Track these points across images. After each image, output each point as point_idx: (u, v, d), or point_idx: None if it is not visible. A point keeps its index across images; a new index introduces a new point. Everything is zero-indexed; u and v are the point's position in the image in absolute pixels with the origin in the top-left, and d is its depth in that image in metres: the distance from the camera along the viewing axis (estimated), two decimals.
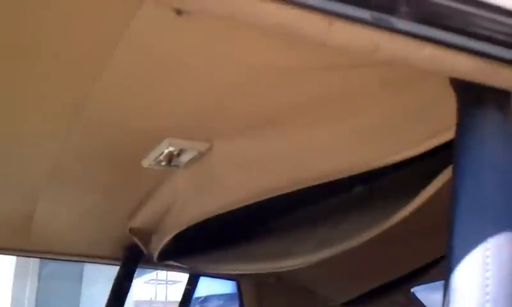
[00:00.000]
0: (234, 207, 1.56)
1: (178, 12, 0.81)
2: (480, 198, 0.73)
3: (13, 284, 7.22)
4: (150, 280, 9.74)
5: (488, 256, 0.69)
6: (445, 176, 1.17)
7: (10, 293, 7.21)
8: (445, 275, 0.71)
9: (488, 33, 0.73)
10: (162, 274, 9.52)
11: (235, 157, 1.47)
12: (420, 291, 3.00)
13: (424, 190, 1.24)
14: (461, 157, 0.77)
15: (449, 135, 1.01)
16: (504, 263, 0.69)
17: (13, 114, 1.33)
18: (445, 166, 1.16)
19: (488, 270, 0.68)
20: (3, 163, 1.63)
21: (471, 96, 0.81)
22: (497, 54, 0.74)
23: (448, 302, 0.68)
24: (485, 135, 0.77)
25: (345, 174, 1.27)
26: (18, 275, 7.25)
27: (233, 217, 1.84)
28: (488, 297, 0.67)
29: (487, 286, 0.67)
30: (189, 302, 2.85)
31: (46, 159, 1.58)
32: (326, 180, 1.31)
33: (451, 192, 0.75)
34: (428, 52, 0.71)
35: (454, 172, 0.77)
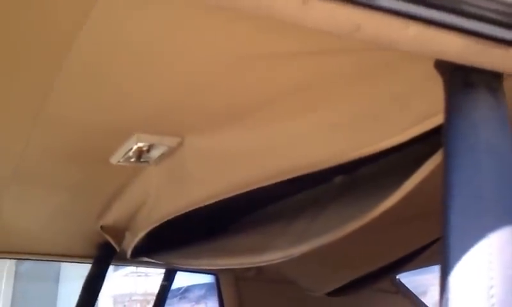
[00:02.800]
0: (208, 202, 1.49)
1: None
2: (478, 186, 0.66)
3: None
4: (128, 273, 9.66)
5: (491, 254, 0.61)
6: (430, 164, 1.11)
7: None
8: (440, 276, 0.63)
9: (479, 11, 0.66)
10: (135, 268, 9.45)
11: (208, 152, 1.41)
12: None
13: (407, 181, 1.18)
14: (453, 144, 0.71)
15: (434, 121, 0.95)
16: (510, 261, 0.62)
17: None
18: (430, 154, 1.10)
19: (492, 270, 0.61)
20: None
21: (459, 80, 0.75)
22: (489, 33, 0.67)
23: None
24: (478, 119, 0.71)
25: (323, 165, 1.20)
26: None
27: (209, 211, 1.77)
28: (493, 300, 0.60)
29: (491, 287, 0.60)
30: (166, 297, 2.79)
31: (9, 158, 1.49)
32: (302, 173, 1.24)
33: (444, 182, 0.68)
34: (413, 31, 0.64)
35: (446, 160, 0.70)
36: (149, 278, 9.03)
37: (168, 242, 2.14)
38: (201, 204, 1.51)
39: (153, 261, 2.26)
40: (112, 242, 2.10)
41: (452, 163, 0.70)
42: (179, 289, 9.50)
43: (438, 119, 0.94)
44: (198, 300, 9.65)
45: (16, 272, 7.52)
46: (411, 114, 1.00)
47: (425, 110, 0.97)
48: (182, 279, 8.90)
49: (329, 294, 2.70)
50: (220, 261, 1.98)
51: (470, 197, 0.67)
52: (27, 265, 7.41)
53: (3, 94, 1.16)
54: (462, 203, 0.66)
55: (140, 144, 1.38)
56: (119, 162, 1.48)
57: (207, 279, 7.93)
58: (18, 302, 7.49)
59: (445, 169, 0.70)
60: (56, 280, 7.79)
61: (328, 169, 1.53)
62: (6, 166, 1.54)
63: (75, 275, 6.77)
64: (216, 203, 1.51)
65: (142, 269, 9.35)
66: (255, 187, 1.35)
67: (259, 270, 2.72)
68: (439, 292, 0.63)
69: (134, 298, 9.60)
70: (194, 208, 1.53)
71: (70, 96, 1.17)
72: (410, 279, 3.06)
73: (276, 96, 1.15)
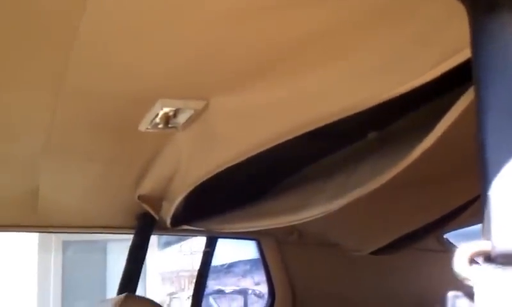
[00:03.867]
0: (239, 160, 1.48)
1: None
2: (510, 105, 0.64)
3: (38, 258, 7.31)
4: (175, 252, 9.84)
5: None
6: (461, 104, 1.08)
7: (36, 267, 7.31)
8: (481, 192, 0.62)
9: None
10: (186, 245, 9.59)
11: (234, 110, 1.39)
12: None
13: (440, 123, 1.15)
14: (483, 69, 0.68)
15: (462, 56, 0.93)
16: None
17: None
18: (458, 97, 1.07)
19: None
20: None
21: (483, 4, 0.71)
22: None
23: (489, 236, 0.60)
24: (506, 41, 0.68)
25: (352, 111, 1.18)
26: (42, 249, 7.32)
27: (247, 175, 1.77)
28: None
29: None
30: (209, 263, 2.82)
31: (38, 132, 1.51)
32: (332, 120, 1.22)
33: (476, 108, 0.66)
34: None
35: (477, 86, 0.68)
36: (194, 256, 9.18)
37: (208, 209, 2.15)
38: (232, 163, 1.50)
39: (193, 228, 2.28)
40: (151, 211, 2.12)
41: (483, 87, 0.68)
42: (223, 265, 9.60)
43: (465, 54, 0.91)
44: (244, 274, 9.75)
45: (64, 246, 7.67)
46: (437, 51, 0.98)
47: (450, 46, 0.94)
48: (226, 256, 9.01)
49: (374, 253, 2.68)
50: (260, 223, 1.98)
51: (503, 116, 0.65)
52: (74, 240, 7.56)
53: (23, 68, 1.17)
54: (495, 123, 0.65)
55: (166, 110, 1.37)
56: (147, 129, 1.47)
57: (252, 255, 8.00)
58: (69, 274, 7.66)
59: (477, 95, 0.68)
60: (104, 251, 7.93)
61: (361, 126, 1.52)
62: (37, 140, 1.56)
63: (122, 246, 6.93)
64: (253, 166, 1.51)
65: (187, 248, 9.51)
66: (285, 139, 1.33)
67: (301, 234, 2.72)
68: (481, 208, 0.62)
69: (180, 274, 9.78)
70: (225, 167, 1.53)
71: (89, 65, 1.17)
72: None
73: (298, 46, 1.12)
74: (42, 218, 2.22)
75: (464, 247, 0.60)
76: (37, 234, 6.90)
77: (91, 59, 1.14)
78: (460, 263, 0.59)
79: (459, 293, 0.60)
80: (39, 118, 1.42)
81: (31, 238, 7.19)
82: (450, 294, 0.60)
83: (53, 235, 7.20)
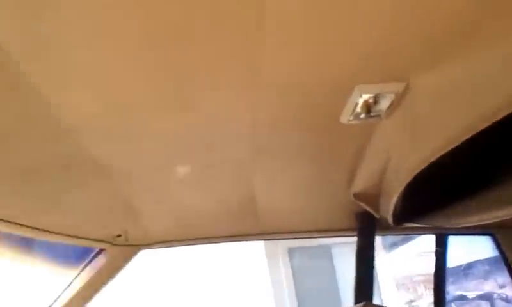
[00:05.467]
0: (453, 146, 1.33)
1: None
2: None
3: (269, 268, 7.57)
4: (403, 254, 9.56)
5: None
6: None
7: (268, 274, 7.58)
8: None
9: None
10: (414, 246, 9.28)
11: (437, 91, 1.27)
12: None
13: None
14: None
15: None
16: None
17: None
18: None
19: None
20: (205, 153, 1.60)
21: None
22: None
23: None
24: None
25: None
26: (270, 258, 7.58)
27: (467, 159, 1.60)
28: None
29: None
30: (444, 265, 2.62)
31: (243, 135, 1.51)
32: None
33: None
34: None
35: None
36: (424, 258, 8.86)
37: (431, 203, 2.00)
38: (446, 150, 1.35)
39: (418, 226, 2.13)
40: (370, 210, 2.02)
41: None
42: (460, 266, 9.13)
43: None
44: (485, 276, 9.17)
45: (289, 255, 7.85)
46: None
47: None
48: (461, 257, 8.53)
49: None
50: (492, 214, 1.76)
51: None
52: (298, 246, 7.72)
53: (220, 70, 1.18)
54: None
55: (365, 97, 1.31)
56: (349, 120, 1.42)
57: (488, 254, 7.46)
58: (300, 280, 7.82)
59: None
60: (330, 256, 8.00)
61: None
62: (243, 143, 1.56)
63: (347, 250, 6.89)
64: (474, 149, 1.34)
65: (416, 249, 9.21)
66: (501, 116, 1.15)
67: None
68: None
69: (415, 279, 9.47)
70: (437, 156, 1.40)
71: (281, 55, 1.15)
72: None
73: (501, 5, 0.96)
74: (263, 225, 2.23)
75: None
76: (262, 244, 7.17)
77: (282, 48, 1.12)
78: None
79: None
80: (242, 119, 1.42)
81: (257, 248, 7.49)
82: None
83: (278, 243, 7.42)
